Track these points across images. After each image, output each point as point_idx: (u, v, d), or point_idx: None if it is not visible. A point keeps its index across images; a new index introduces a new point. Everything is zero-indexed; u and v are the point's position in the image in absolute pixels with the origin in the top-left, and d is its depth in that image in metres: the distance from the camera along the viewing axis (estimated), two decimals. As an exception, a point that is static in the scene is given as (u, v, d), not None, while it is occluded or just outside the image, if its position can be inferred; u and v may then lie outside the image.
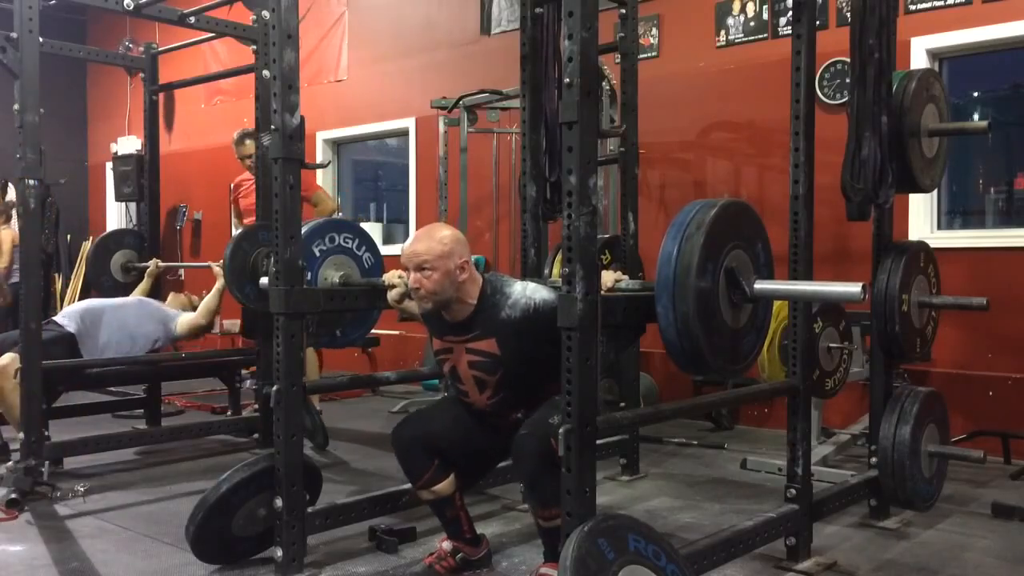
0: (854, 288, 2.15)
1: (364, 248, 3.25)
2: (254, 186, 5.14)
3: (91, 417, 4.86)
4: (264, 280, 2.78)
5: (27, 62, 3.56)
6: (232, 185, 5.41)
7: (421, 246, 2.50)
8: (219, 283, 4.48)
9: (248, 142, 5.03)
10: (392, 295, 2.84)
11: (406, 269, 2.54)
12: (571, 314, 1.96)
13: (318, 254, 3.09)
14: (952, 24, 4.55)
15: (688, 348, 2.11)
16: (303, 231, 2.93)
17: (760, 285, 2.25)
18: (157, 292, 5.28)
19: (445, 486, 2.67)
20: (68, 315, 4.32)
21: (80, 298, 9.00)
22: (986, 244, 4.52)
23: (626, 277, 2.46)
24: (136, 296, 4.75)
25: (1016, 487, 3.77)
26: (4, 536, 3.11)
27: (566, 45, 1.96)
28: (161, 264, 4.99)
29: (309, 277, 2.94)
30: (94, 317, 4.33)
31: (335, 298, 2.95)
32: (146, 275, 4.93)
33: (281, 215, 2.63)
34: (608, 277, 2.37)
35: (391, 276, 2.86)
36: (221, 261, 4.21)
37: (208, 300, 4.59)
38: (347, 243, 3.19)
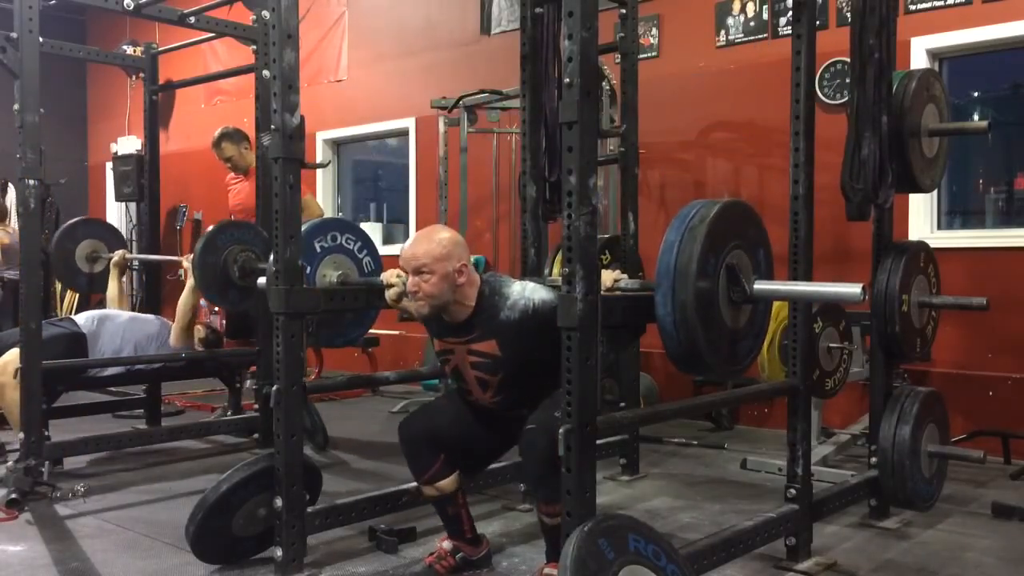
0: (854, 289, 2.15)
1: (365, 252, 3.25)
2: (240, 185, 5.15)
3: (91, 417, 4.86)
4: (261, 280, 2.77)
5: (27, 62, 3.56)
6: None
7: (419, 249, 2.49)
8: (190, 280, 4.35)
9: (225, 144, 5.01)
10: (390, 294, 2.83)
11: (405, 272, 2.54)
12: (571, 314, 1.96)
13: (319, 250, 3.08)
14: (952, 24, 4.54)
15: (685, 341, 2.10)
16: (305, 227, 2.92)
17: (760, 285, 2.26)
18: (158, 294, 5.28)
19: (448, 483, 2.68)
20: (87, 316, 4.34)
21: (79, 299, 9.00)
22: (986, 244, 4.52)
23: (625, 276, 2.46)
24: (160, 318, 4.67)
25: (1016, 487, 3.77)
26: (4, 536, 3.11)
27: (566, 45, 1.96)
28: (128, 255, 4.93)
29: (308, 271, 2.93)
30: (111, 324, 4.34)
31: (335, 298, 2.95)
32: (111, 265, 4.84)
33: (281, 215, 2.63)
34: (608, 277, 2.37)
35: (389, 275, 2.86)
36: (191, 255, 4.18)
37: (181, 301, 4.48)
38: (348, 244, 3.18)
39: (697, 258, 2.09)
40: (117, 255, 4.87)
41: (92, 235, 5.01)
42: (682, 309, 2.07)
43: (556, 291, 2.40)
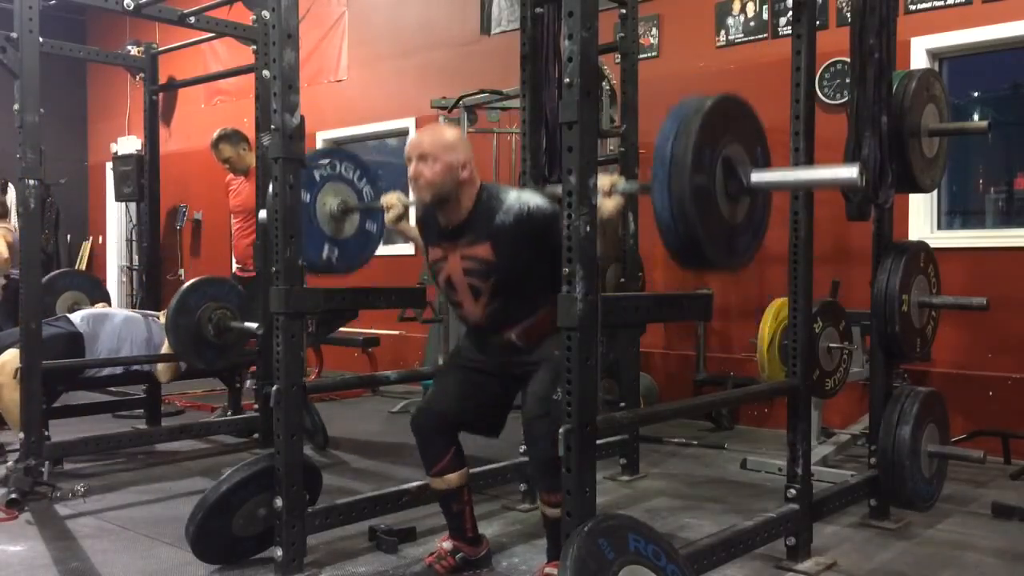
0: (851, 171, 2.09)
1: (364, 180, 3.22)
2: (241, 186, 5.17)
3: (91, 417, 4.86)
4: (263, 216, 2.70)
5: (27, 62, 3.56)
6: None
7: (426, 137, 2.53)
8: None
9: (223, 145, 5.02)
10: (390, 216, 2.84)
11: (409, 161, 2.54)
12: (571, 314, 1.96)
13: (318, 178, 3.05)
14: (952, 24, 4.55)
15: (683, 233, 2.03)
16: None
17: (756, 176, 2.18)
18: (158, 294, 5.29)
19: (457, 477, 2.69)
20: (83, 316, 4.33)
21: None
22: (986, 244, 4.52)
23: (622, 179, 2.37)
24: (153, 315, 4.66)
25: (1016, 487, 3.77)
26: (4, 536, 3.11)
27: (566, 45, 1.96)
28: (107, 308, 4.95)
29: (308, 199, 2.92)
30: (108, 325, 4.34)
31: (335, 298, 2.95)
32: None
33: (281, 215, 2.63)
34: (605, 181, 2.29)
35: (389, 198, 2.88)
36: (167, 311, 4.15)
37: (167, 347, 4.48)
38: (347, 173, 3.15)
39: (692, 149, 2.02)
40: (100, 308, 4.86)
41: (73, 287, 5.01)
42: (679, 200, 2.01)
43: (553, 200, 2.42)
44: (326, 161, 3.07)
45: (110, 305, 5.04)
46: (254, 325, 4.02)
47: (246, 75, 4.84)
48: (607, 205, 2.22)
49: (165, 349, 4.46)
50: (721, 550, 2.49)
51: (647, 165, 5.29)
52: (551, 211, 2.43)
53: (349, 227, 3.14)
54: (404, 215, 2.85)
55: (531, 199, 2.51)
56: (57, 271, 5.40)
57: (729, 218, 2.16)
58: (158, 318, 4.55)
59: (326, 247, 3.06)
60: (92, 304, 4.92)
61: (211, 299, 4.14)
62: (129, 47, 8.19)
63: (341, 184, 3.13)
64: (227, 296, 4.21)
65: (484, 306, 2.59)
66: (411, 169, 2.52)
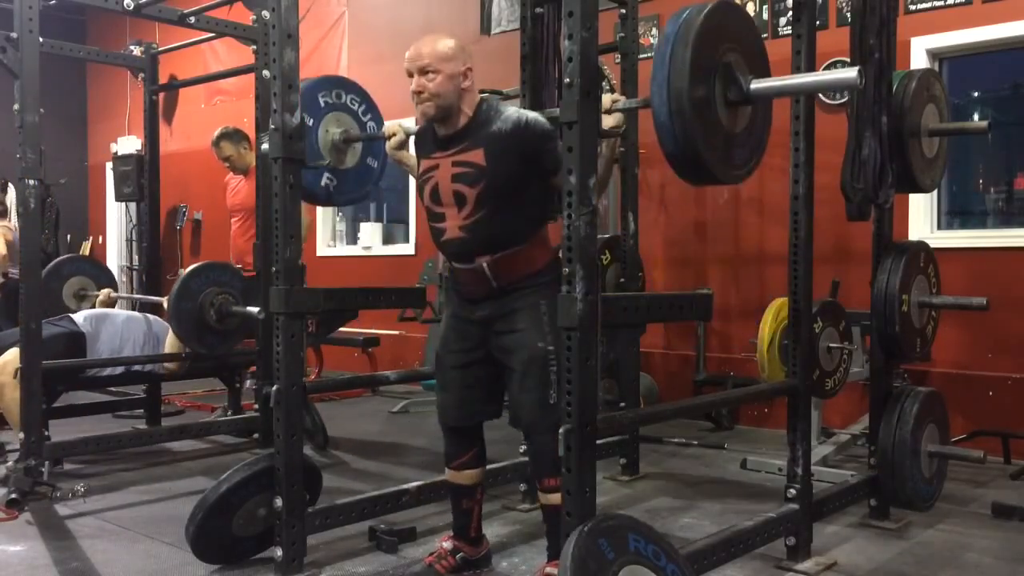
0: (850, 73, 2.09)
1: (369, 115, 3.21)
2: (240, 185, 5.17)
3: (91, 417, 4.86)
4: (265, 146, 2.72)
5: (27, 62, 3.56)
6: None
7: (425, 48, 2.50)
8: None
9: (224, 143, 5.04)
10: (392, 143, 2.84)
11: (410, 75, 2.52)
12: (571, 314, 1.96)
13: (323, 105, 3.03)
14: (952, 24, 4.55)
15: (681, 134, 2.00)
16: (309, 83, 2.88)
17: (756, 84, 2.16)
18: (158, 294, 5.29)
19: (473, 475, 2.73)
20: (85, 315, 4.34)
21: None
22: (986, 244, 4.52)
23: (623, 98, 2.38)
24: (154, 317, 4.67)
25: (1016, 487, 3.77)
26: (4, 536, 3.11)
27: (566, 45, 1.96)
28: (113, 294, 4.97)
29: (311, 123, 2.91)
30: (110, 325, 4.34)
31: (335, 297, 2.95)
32: (97, 304, 4.87)
33: (281, 215, 2.63)
34: (606, 98, 2.29)
35: (392, 126, 2.87)
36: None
37: (168, 343, 4.50)
38: (353, 105, 3.15)
39: (692, 50, 1.98)
40: (103, 294, 4.90)
41: (79, 272, 5.02)
42: (678, 101, 1.98)
43: (551, 121, 2.44)
44: (331, 88, 3.07)
45: (116, 290, 5.05)
46: (255, 309, 4.02)
47: (246, 75, 4.84)
48: (607, 122, 2.25)
49: (168, 346, 4.46)
50: (721, 550, 2.49)
51: (647, 165, 5.27)
52: (550, 129, 2.44)
53: (351, 158, 3.14)
54: (405, 143, 2.85)
55: (530, 113, 2.53)
56: (63, 257, 5.39)
57: (728, 126, 2.14)
58: (163, 304, 4.55)
59: (325, 175, 3.05)
60: (98, 288, 4.95)
61: (213, 284, 4.15)
62: (131, 47, 8.20)
63: (345, 114, 3.12)
64: (229, 281, 4.22)
65: (465, 218, 2.52)
66: (413, 84, 2.50)
